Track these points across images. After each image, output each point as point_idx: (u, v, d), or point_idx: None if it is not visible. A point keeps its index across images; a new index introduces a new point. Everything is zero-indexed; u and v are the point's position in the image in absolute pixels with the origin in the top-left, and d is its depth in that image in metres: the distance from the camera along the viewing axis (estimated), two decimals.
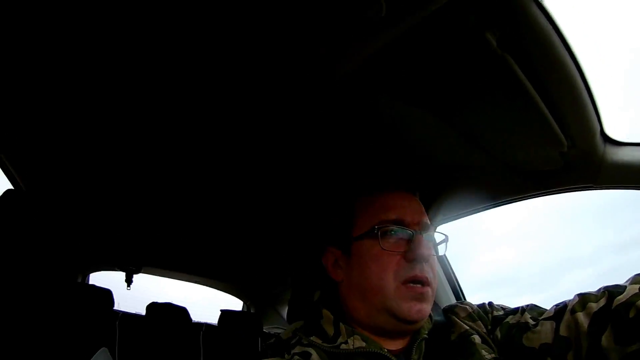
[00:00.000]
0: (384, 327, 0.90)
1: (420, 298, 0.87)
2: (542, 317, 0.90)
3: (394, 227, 0.91)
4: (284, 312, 2.96)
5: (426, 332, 0.94)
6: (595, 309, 0.82)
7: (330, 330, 0.90)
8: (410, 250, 0.89)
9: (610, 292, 0.82)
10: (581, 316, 0.83)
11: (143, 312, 2.41)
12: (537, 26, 0.87)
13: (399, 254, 0.90)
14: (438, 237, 1.01)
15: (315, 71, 1.08)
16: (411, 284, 0.88)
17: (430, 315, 0.98)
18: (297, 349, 0.89)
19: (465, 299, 1.84)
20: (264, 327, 2.75)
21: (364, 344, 0.87)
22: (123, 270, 2.63)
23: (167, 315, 2.39)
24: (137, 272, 2.64)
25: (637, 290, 0.78)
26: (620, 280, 0.86)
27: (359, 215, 0.96)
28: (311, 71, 1.08)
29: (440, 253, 1.02)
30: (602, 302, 0.82)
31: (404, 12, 0.84)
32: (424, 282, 0.88)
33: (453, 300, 1.82)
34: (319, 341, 0.89)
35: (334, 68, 1.04)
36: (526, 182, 1.37)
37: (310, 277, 1.03)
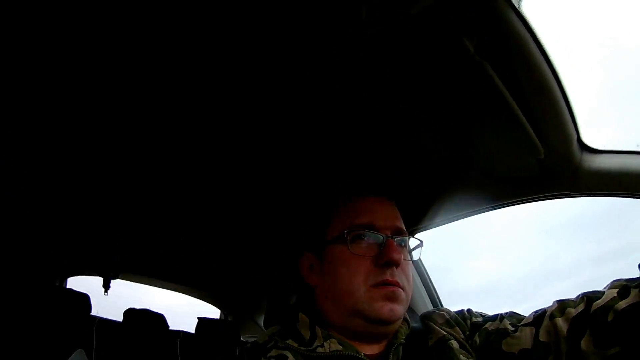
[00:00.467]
0: (357, 330, 0.89)
1: (392, 297, 0.86)
2: (521, 323, 0.91)
3: (364, 232, 0.91)
4: (262, 322, 2.94)
5: (403, 337, 0.93)
6: (574, 314, 0.83)
7: (307, 334, 0.90)
8: (380, 255, 0.88)
9: (589, 297, 0.83)
10: (560, 321, 0.84)
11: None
12: (514, 34, 0.88)
13: (369, 259, 0.89)
14: (413, 243, 1.00)
15: (299, 72, 1.09)
16: (382, 285, 0.87)
17: (407, 321, 0.98)
18: (273, 352, 0.87)
19: (442, 305, 1.84)
20: (241, 337, 2.72)
21: (340, 347, 0.86)
22: (101, 276, 2.59)
23: (145, 321, 2.35)
24: (115, 278, 2.60)
25: (615, 295, 0.78)
26: None
27: (333, 219, 0.96)
28: (297, 70, 1.09)
29: (415, 258, 1.01)
30: (581, 307, 0.83)
31: (385, 16, 0.85)
32: (395, 285, 0.87)
33: (430, 307, 1.81)
34: (295, 344, 0.88)
35: (316, 66, 1.04)
36: (503, 189, 1.37)
37: (288, 282, 1.03)
